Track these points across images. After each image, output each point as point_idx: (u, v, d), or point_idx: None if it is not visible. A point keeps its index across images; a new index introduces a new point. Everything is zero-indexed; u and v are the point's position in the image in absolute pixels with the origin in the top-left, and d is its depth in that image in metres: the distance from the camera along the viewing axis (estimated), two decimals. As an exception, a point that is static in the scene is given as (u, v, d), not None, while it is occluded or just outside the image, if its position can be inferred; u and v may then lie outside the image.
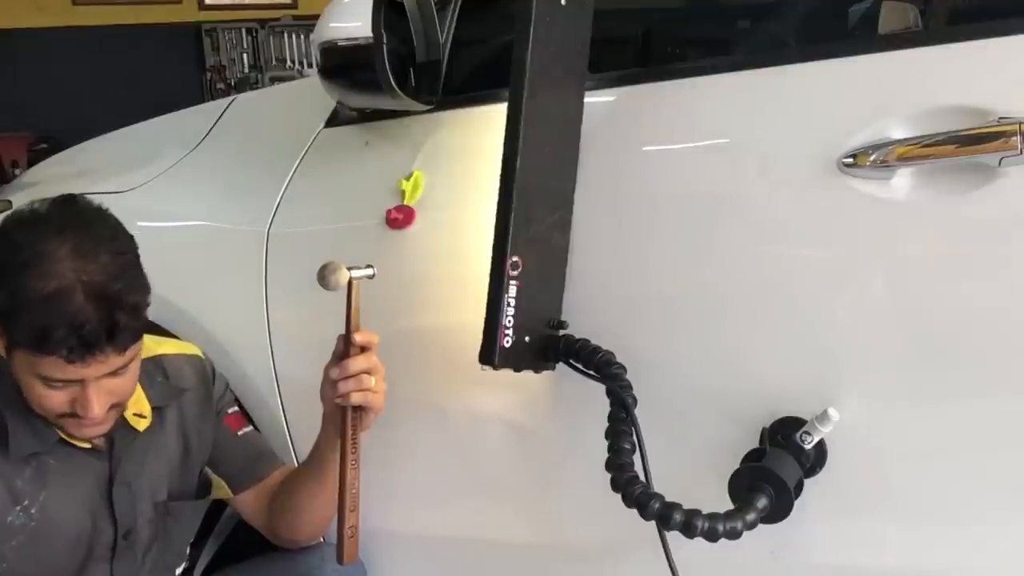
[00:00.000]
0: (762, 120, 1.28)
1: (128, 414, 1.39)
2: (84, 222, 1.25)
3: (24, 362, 1.24)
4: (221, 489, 1.53)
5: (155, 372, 1.45)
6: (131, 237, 1.29)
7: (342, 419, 1.37)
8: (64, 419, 1.28)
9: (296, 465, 1.63)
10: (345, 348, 1.35)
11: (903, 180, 1.17)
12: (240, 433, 1.54)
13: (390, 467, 1.61)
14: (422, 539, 1.62)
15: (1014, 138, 1.09)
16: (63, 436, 1.33)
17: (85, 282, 1.19)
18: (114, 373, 1.26)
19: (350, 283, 1.31)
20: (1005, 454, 1.18)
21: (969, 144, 1.12)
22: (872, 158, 1.17)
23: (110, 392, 1.27)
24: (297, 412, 1.66)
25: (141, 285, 1.27)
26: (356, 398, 1.34)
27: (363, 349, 1.35)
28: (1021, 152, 1.09)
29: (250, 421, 1.61)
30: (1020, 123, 1.09)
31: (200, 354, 1.54)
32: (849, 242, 1.22)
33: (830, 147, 1.20)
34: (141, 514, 1.42)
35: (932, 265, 1.18)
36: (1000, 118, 1.10)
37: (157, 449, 1.44)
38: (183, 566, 1.54)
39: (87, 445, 1.36)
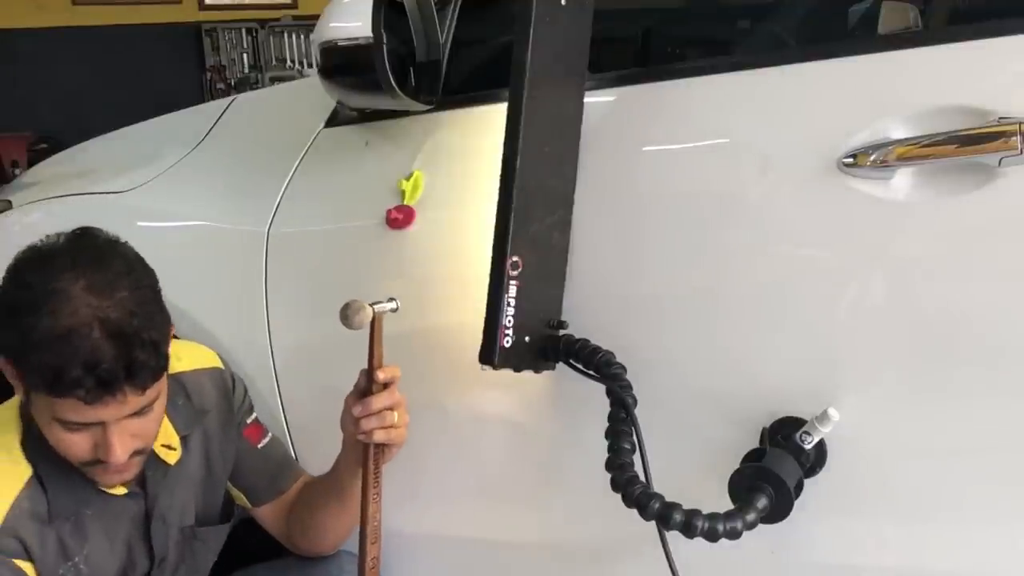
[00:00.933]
0: (762, 120, 1.28)
1: (157, 446, 1.34)
2: (99, 257, 1.20)
3: (42, 406, 1.19)
4: (240, 499, 1.53)
5: (176, 393, 1.40)
6: (150, 270, 1.24)
7: (364, 454, 1.35)
8: (88, 467, 1.23)
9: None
10: (368, 384, 1.32)
11: (903, 180, 1.17)
12: (260, 446, 1.51)
13: (389, 466, 1.61)
14: (422, 538, 1.62)
15: (1014, 138, 1.09)
16: (99, 492, 1.30)
17: (101, 319, 1.14)
18: (137, 414, 1.20)
19: (374, 317, 1.28)
20: (1005, 454, 1.18)
21: (969, 144, 1.12)
22: (872, 158, 1.17)
23: (133, 435, 1.22)
24: (297, 412, 1.66)
25: (161, 321, 1.22)
26: (379, 436, 1.32)
27: (386, 385, 1.33)
28: (1021, 152, 1.09)
29: None
30: (1020, 123, 1.09)
31: (219, 364, 1.49)
32: (849, 242, 1.22)
33: (830, 147, 1.20)
34: (171, 539, 1.41)
35: (932, 265, 1.18)
36: (1000, 118, 1.10)
37: (185, 476, 1.42)
38: None
39: (123, 491, 1.33)
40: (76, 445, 1.20)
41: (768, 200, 1.26)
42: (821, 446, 1.23)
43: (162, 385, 1.23)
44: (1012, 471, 1.18)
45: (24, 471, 1.26)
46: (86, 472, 1.25)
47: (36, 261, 1.20)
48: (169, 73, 6.61)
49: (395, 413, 1.32)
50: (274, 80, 6.38)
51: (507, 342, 1.28)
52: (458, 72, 1.57)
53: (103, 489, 1.30)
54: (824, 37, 1.78)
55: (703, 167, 1.31)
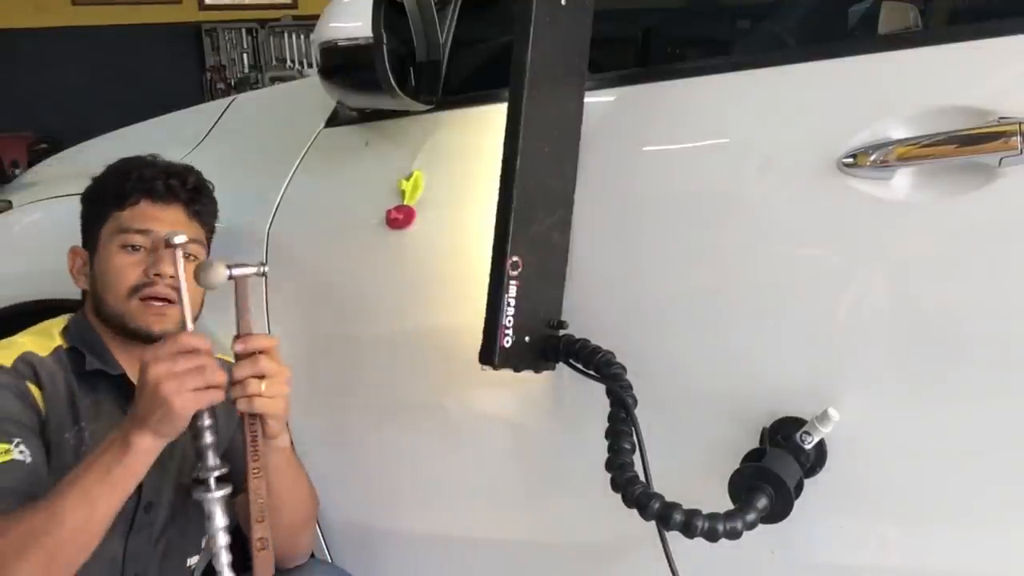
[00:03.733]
0: (762, 120, 1.28)
1: None
2: None
3: (109, 233, 1.46)
4: None
5: None
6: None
7: (243, 425, 1.32)
8: (133, 301, 1.42)
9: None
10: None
11: (903, 180, 1.17)
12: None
13: (390, 466, 1.61)
14: (422, 538, 1.62)
15: (1014, 138, 1.09)
16: (126, 374, 1.45)
17: (156, 163, 1.53)
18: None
19: (236, 281, 1.26)
20: (1005, 454, 1.18)
21: (969, 144, 1.12)
22: (872, 158, 1.17)
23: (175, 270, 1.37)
24: (296, 412, 1.66)
25: (212, 196, 1.57)
26: (241, 405, 1.29)
27: (263, 351, 1.30)
28: (1021, 152, 1.09)
29: None
30: (1020, 123, 1.09)
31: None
32: (849, 242, 1.22)
33: (830, 147, 1.20)
34: (165, 492, 1.44)
35: (932, 265, 1.18)
36: (1000, 118, 1.10)
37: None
38: (196, 558, 1.54)
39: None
40: (131, 267, 1.44)
41: (768, 200, 1.26)
42: (821, 446, 1.23)
43: (202, 242, 1.53)
44: (1013, 471, 1.18)
45: (55, 343, 1.46)
46: (133, 313, 1.43)
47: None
48: (169, 73, 6.62)
49: (260, 382, 1.28)
50: (274, 80, 6.38)
51: (507, 342, 1.28)
52: (458, 72, 1.57)
53: (126, 376, 1.45)
54: (824, 37, 1.79)
55: (703, 167, 1.31)
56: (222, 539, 1.25)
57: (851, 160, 1.18)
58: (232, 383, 1.29)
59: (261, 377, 1.29)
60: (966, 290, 1.16)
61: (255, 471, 1.31)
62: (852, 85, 1.23)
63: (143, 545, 1.43)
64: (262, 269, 1.29)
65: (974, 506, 1.21)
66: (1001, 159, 1.10)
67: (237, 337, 1.29)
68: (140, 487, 1.38)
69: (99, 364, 1.44)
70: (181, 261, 1.26)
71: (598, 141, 1.37)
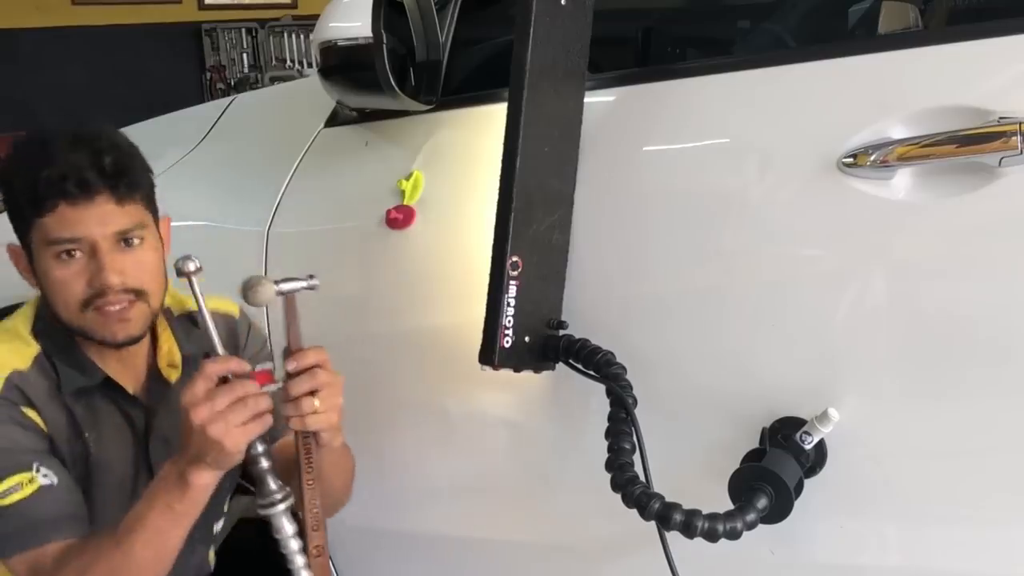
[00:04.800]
0: (762, 120, 1.28)
1: (162, 365, 1.42)
2: None
3: (38, 241, 1.29)
4: None
5: (188, 325, 1.46)
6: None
7: (295, 441, 1.29)
8: (88, 313, 1.30)
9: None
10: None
11: (903, 180, 1.17)
12: (263, 388, 1.45)
13: (390, 466, 1.61)
14: (422, 538, 1.62)
15: (1014, 138, 1.09)
16: (108, 376, 1.37)
17: (74, 135, 1.31)
18: (125, 241, 1.29)
19: (284, 298, 1.21)
20: (1005, 454, 1.18)
21: (969, 144, 1.12)
22: (872, 158, 1.17)
23: (123, 270, 1.29)
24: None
25: (137, 155, 1.35)
26: (295, 424, 1.25)
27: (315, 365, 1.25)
28: (1021, 152, 1.08)
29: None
30: (1020, 123, 1.09)
31: (234, 312, 1.51)
32: (849, 242, 1.22)
33: (830, 147, 1.20)
34: None
35: (932, 265, 1.18)
36: (1000, 118, 1.10)
37: None
38: (220, 522, 1.53)
39: (130, 390, 1.39)
40: (73, 280, 1.29)
41: (768, 200, 1.26)
42: (821, 446, 1.23)
43: (145, 218, 1.33)
44: (1013, 471, 1.18)
45: (33, 350, 1.35)
46: (90, 326, 1.31)
47: None
48: (169, 73, 6.62)
49: (314, 399, 1.24)
50: (274, 80, 6.38)
51: (507, 342, 1.28)
52: (458, 72, 1.57)
53: (111, 378, 1.37)
54: (824, 37, 1.79)
55: (703, 167, 1.31)
56: (294, 544, 1.24)
57: (851, 160, 1.18)
58: (286, 400, 1.24)
59: (313, 392, 1.24)
60: (966, 290, 1.16)
61: (309, 483, 1.27)
62: (852, 85, 1.23)
63: None
64: (311, 283, 1.22)
65: (974, 506, 1.21)
66: (1001, 159, 1.10)
67: (288, 354, 1.24)
68: (147, 458, 1.40)
69: (81, 381, 1.37)
70: (199, 287, 1.19)
71: (598, 141, 1.37)
